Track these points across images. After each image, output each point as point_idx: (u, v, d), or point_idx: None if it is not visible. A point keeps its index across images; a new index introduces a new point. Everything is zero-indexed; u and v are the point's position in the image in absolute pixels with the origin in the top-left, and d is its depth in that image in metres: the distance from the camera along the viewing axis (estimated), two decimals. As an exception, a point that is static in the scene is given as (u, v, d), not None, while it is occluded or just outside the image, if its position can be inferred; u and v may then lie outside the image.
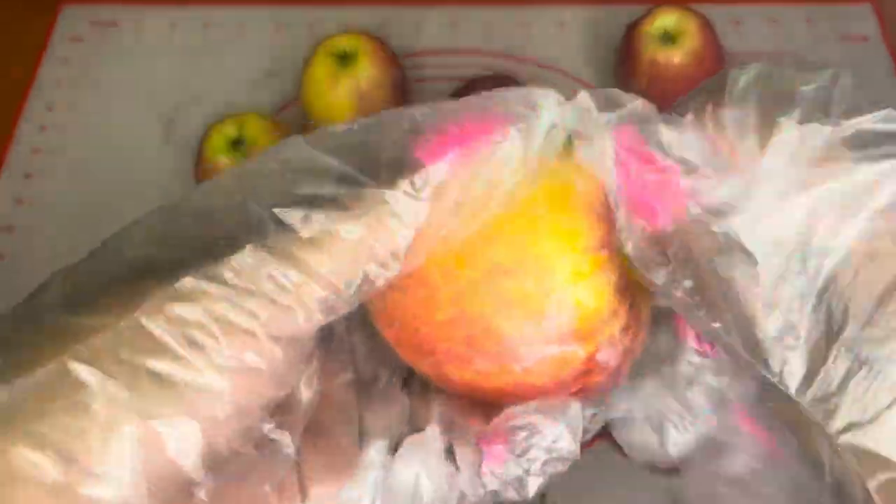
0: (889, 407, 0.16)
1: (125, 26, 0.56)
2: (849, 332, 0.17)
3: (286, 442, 0.20)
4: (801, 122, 0.18)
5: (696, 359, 0.21)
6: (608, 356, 0.21)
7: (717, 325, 0.18)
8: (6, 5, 0.55)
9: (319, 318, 0.18)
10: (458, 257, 0.20)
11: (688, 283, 0.19)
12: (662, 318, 0.22)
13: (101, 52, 0.54)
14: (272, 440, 0.19)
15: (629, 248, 0.20)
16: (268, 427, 0.19)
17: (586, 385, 0.22)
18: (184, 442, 0.17)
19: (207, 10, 0.56)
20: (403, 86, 0.48)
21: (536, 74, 0.52)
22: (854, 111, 0.18)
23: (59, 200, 0.48)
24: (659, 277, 0.19)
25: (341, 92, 0.46)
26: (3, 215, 0.48)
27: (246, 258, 0.18)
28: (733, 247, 0.18)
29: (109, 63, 0.54)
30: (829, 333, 0.17)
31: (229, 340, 0.17)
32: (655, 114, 0.20)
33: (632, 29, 0.49)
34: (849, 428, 0.17)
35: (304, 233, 0.18)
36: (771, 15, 0.55)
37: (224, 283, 0.17)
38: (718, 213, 0.19)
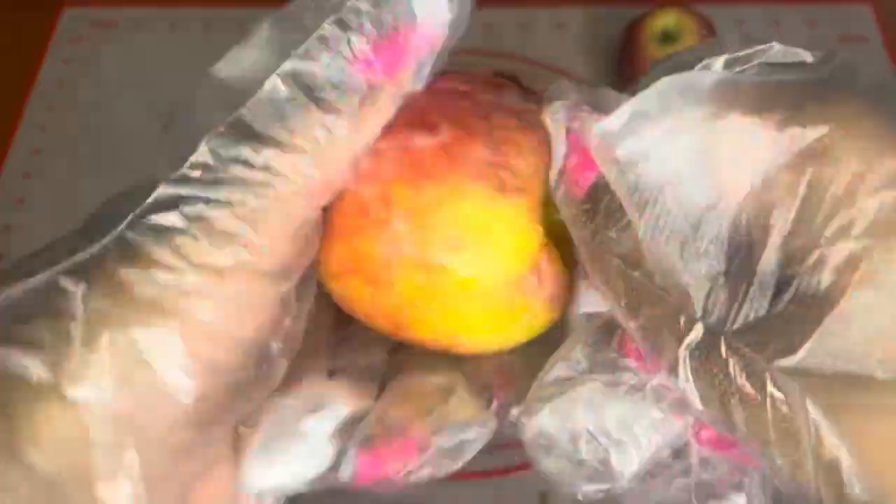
0: (819, 323, 0.16)
1: (126, 27, 0.56)
2: (770, 252, 0.17)
3: (283, 364, 0.20)
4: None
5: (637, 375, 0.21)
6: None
7: (636, 273, 0.19)
8: (8, 6, 0.55)
9: (308, 196, 0.19)
10: None
11: (611, 234, 0.19)
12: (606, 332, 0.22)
13: (101, 52, 0.54)
14: (270, 360, 0.19)
15: (564, 214, 0.20)
16: (276, 347, 0.19)
17: None
18: (162, 347, 0.17)
19: (207, 10, 0.56)
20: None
21: (536, 74, 0.52)
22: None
23: (59, 200, 0.48)
24: (587, 235, 0.20)
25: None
26: (4, 215, 0.48)
27: (209, 148, 0.18)
28: (636, 185, 0.19)
29: (110, 63, 0.54)
30: (750, 259, 0.17)
31: (210, 238, 0.17)
32: (610, 94, 0.21)
33: (632, 29, 0.49)
34: (781, 353, 0.16)
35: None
36: (771, 15, 0.55)
37: (195, 179, 0.18)
38: (613, 140, 0.19)
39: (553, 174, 0.21)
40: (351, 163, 0.20)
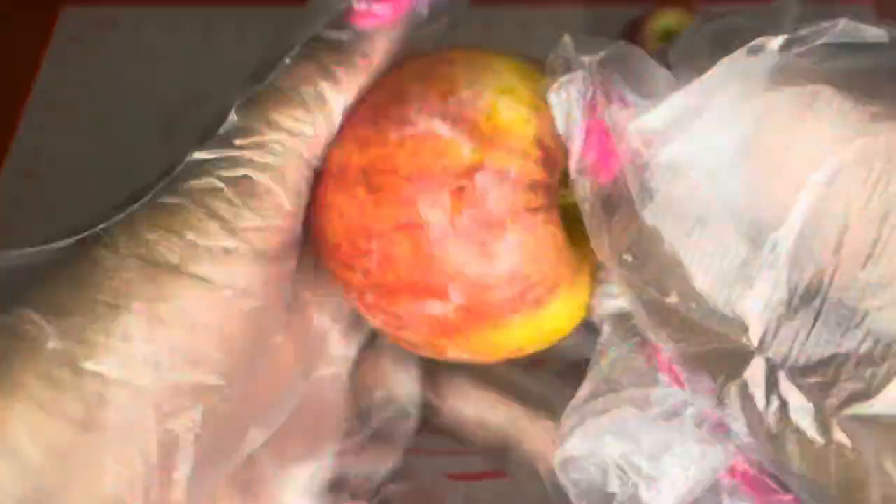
0: None
1: (125, 26, 0.56)
2: (840, 281, 0.14)
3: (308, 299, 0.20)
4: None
5: (674, 391, 0.18)
6: (488, 190, 0.19)
7: (671, 299, 0.15)
8: (6, 5, 0.55)
9: (312, 154, 0.19)
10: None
11: (627, 255, 0.16)
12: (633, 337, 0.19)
13: (101, 52, 0.54)
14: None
15: (583, 207, 0.18)
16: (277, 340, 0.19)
17: None
18: (188, 324, 0.16)
19: (207, 9, 0.55)
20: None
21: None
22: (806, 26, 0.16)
23: (59, 201, 0.48)
24: (604, 242, 0.17)
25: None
26: (3, 215, 0.48)
27: (239, 114, 0.19)
28: (659, 191, 0.16)
29: (109, 63, 0.54)
30: (817, 288, 0.15)
31: (247, 199, 0.17)
32: (635, 56, 0.18)
33: (632, 28, 0.49)
34: (854, 398, 0.14)
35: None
36: (771, 15, 0.55)
37: (229, 144, 0.18)
38: (653, 142, 0.16)
39: (571, 166, 0.18)
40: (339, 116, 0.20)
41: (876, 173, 0.14)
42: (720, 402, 0.16)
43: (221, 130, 0.19)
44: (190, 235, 0.17)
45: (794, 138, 0.15)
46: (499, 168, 0.19)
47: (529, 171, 0.19)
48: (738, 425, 0.15)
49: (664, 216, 0.16)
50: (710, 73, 0.15)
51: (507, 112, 0.19)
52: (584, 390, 0.19)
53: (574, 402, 0.19)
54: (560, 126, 0.18)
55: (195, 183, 0.18)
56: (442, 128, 0.19)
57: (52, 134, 0.51)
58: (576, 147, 0.18)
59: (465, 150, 0.19)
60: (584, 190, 0.18)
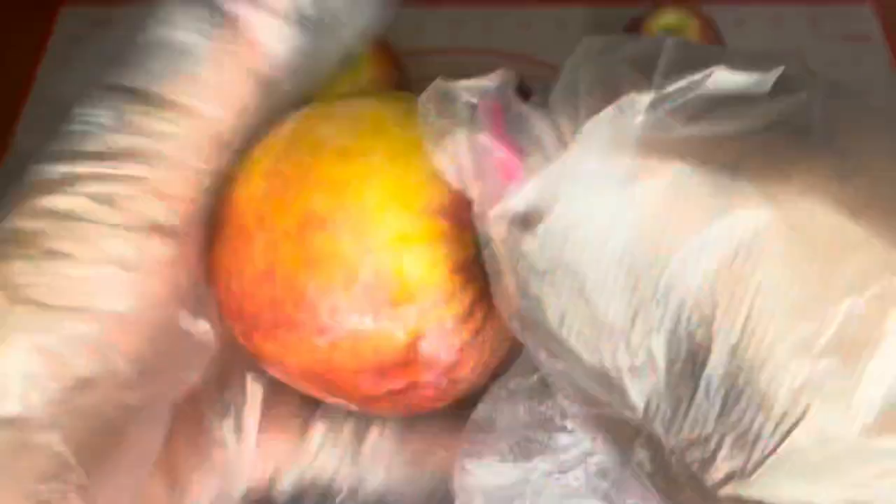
0: (777, 446, 0.13)
1: (125, 26, 0.55)
2: (716, 358, 0.14)
3: (203, 329, 0.19)
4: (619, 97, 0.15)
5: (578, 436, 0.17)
6: (436, 348, 0.18)
7: (559, 366, 0.15)
8: (5, 5, 0.55)
9: (211, 159, 0.17)
10: (276, 201, 0.18)
11: (516, 321, 0.16)
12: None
13: (100, 51, 0.54)
14: (188, 333, 0.18)
15: (484, 255, 0.18)
16: (184, 320, 0.18)
17: (411, 387, 0.19)
18: (76, 346, 0.16)
19: (207, 10, 0.55)
20: (405, 86, 0.48)
21: (536, 74, 0.52)
22: (677, 75, 0.15)
23: (58, 201, 0.48)
24: (500, 302, 0.17)
25: (342, 92, 0.45)
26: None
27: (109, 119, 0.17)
28: (536, 266, 0.15)
29: (109, 63, 0.54)
30: (693, 363, 0.14)
31: (113, 220, 0.17)
32: (510, 100, 0.18)
33: (633, 28, 0.49)
34: (732, 476, 0.14)
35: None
36: (773, 15, 0.55)
37: (96, 156, 0.17)
38: (524, 222, 0.16)
39: (474, 210, 0.18)
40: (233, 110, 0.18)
41: (742, 254, 0.14)
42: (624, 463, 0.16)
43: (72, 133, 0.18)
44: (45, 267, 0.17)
45: (662, 227, 0.14)
46: (436, 324, 0.18)
47: (462, 300, 0.18)
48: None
49: (544, 289, 0.16)
50: (571, 148, 0.15)
51: (414, 268, 0.17)
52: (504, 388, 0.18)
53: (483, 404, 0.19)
54: (453, 181, 0.18)
55: (51, 201, 0.17)
56: (364, 323, 0.17)
57: (52, 134, 0.51)
58: (475, 195, 0.17)
59: (398, 334, 0.18)
60: (484, 238, 0.17)
